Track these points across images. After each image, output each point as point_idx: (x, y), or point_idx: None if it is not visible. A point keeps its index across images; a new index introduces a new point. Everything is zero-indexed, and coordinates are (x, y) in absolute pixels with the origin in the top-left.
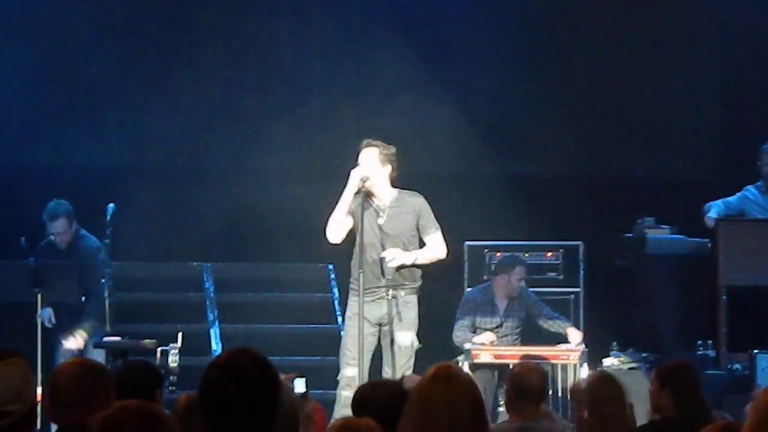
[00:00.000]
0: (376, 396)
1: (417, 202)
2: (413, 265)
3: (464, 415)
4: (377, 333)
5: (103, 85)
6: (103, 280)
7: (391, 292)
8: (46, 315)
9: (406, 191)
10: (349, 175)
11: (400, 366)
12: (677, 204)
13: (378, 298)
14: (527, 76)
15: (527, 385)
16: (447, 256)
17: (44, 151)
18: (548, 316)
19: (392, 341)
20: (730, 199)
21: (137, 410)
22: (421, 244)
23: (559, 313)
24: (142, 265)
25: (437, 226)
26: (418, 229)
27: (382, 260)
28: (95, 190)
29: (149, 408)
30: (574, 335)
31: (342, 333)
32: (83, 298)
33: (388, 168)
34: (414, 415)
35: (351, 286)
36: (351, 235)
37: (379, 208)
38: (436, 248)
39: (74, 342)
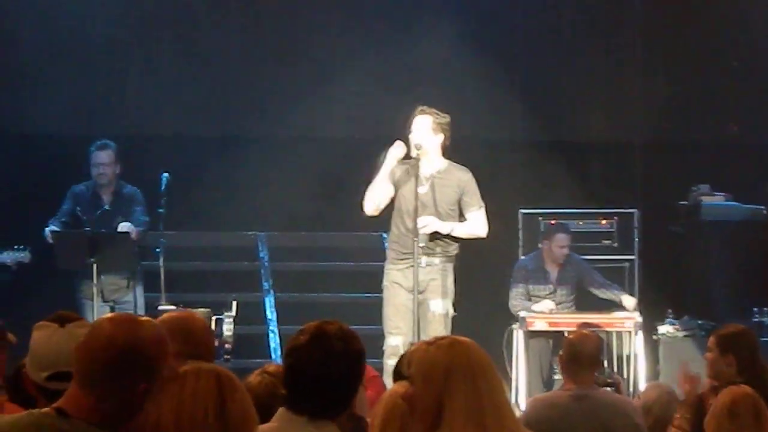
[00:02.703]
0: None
1: (464, 177)
2: (449, 236)
3: None
4: (412, 299)
5: (154, 56)
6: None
7: (425, 259)
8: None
9: (456, 165)
10: (404, 142)
11: (437, 332)
12: (732, 170)
13: (411, 266)
14: (576, 43)
15: (582, 352)
16: (487, 234)
17: (98, 121)
18: (601, 283)
19: (427, 308)
20: None
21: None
22: (461, 220)
23: (611, 281)
24: (197, 234)
25: (481, 204)
26: (460, 205)
27: (417, 227)
28: (150, 160)
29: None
30: (629, 302)
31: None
32: (139, 268)
33: (441, 137)
34: None
35: (388, 253)
36: (391, 203)
37: (423, 177)
38: (476, 225)
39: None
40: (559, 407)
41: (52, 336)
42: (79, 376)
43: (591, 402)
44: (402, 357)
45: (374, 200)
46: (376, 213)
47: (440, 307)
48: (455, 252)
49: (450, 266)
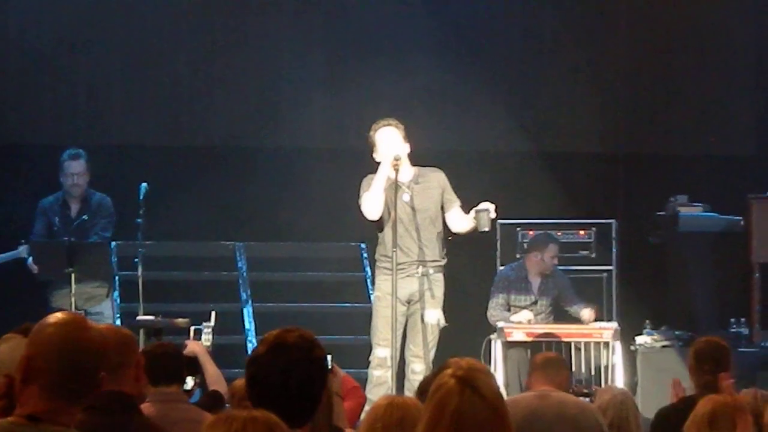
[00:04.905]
0: None
1: (440, 176)
2: (445, 241)
3: None
4: (406, 311)
5: (132, 64)
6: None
7: (420, 269)
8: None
9: (426, 167)
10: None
11: (428, 344)
12: (710, 181)
13: (407, 276)
14: (558, 52)
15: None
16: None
17: (78, 130)
18: (572, 301)
19: (421, 319)
20: None
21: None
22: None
23: (589, 292)
24: (175, 244)
25: (457, 198)
26: (442, 204)
27: (483, 212)
28: (127, 170)
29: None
30: (586, 314)
31: (372, 312)
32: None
33: (408, 146)
34: None
35: (380, 264)
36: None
37: (402, 185)
38: (465, 219)
39: None
40: (523, 406)
41: (15, 348)
42: (41, 382)
43: (555, 399)
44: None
45: (375, 207)
46: (377, 218)
47: (433, 318)
48: (444, 262)
49: (441, 276)
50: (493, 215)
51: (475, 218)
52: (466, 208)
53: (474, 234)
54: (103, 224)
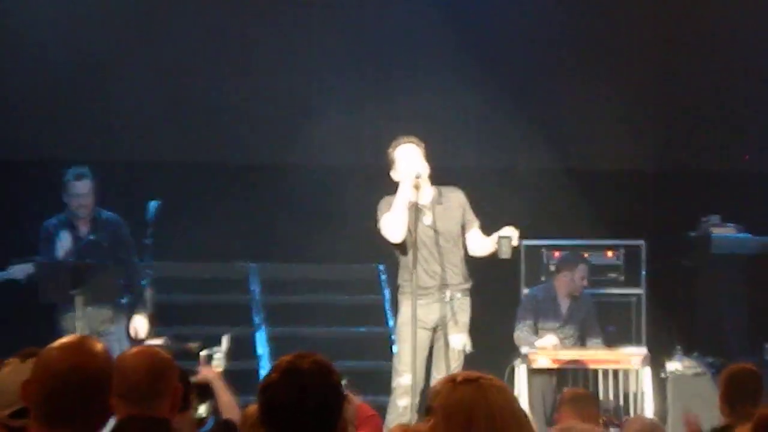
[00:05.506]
0: None
1: (460, 196)
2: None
3: None
4: (431, 337)
5: (142, 78)
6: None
7: (448, 293)
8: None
9: (444, 186)
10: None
11: (452, 370)
12: (744, 200)
13: (433, 301)
14: (586, 65)
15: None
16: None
17: (88, 146)
18: (591, 333)
19: (445, 344)
20: None
21: None
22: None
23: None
24: (186, 265)
25: (476, 219)
26: (462, 225)
27: (506, 239)
28: (136, 187)
29: None
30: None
31: (393, 338)
32: (123, 299)
33: (427, 165)
34: None
35: (402, 289)
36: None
37: (424, 207)
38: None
39: (141, 329)
40: None
41: (11, 372)
42: (42, 412)
43: None
44: (429, 391)
45: (399, 228)
46: (401, 240)
47: (459, 343)
48: (470, 284)
49: (469, 300)
50: (515, 243)
51: (497, 243)
52: (486, 230)
53: (494, 257)
54: (130, 251)
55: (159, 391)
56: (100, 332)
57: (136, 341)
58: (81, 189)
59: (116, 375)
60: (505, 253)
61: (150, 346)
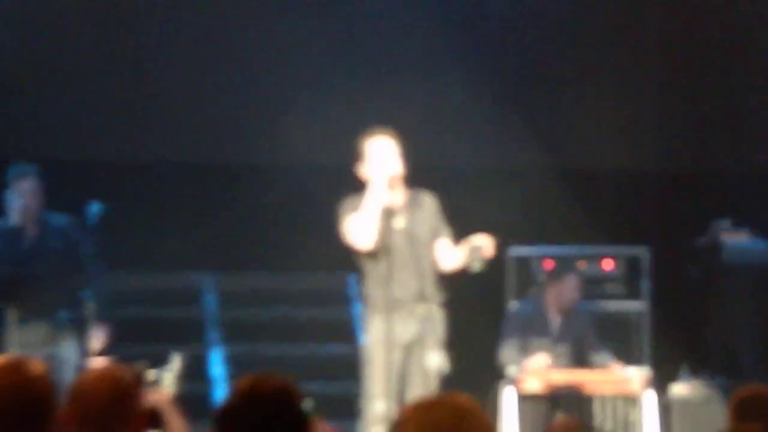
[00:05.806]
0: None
1: (433, 201)
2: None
3: None
4: (404, 357)
5: (85, 72)
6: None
7: (422, 307)
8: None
9: (416, 189)
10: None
11: (428, 391)
12: (757, 203)
13: (407, 316)
14: (582, 57)
15: None
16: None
17: (17, 143)
18: (594, 347)
19: (420, 364)
20: None
21: None
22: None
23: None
24: (132, 275)
25: (447, 227)
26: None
27: (476, 249)
28: (76, 189)
29: None
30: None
31: (364, 358)
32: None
33: (402, 166)
34: None
35: (370, 303)
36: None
37: (396, 209)
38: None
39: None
40: None
41: None
42: None
43: None
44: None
45: (368, 233)
46: (371, 246)
47: (435, 362)
48: (444, 297)
49: (442, 315)
50: (489, 253)
51: (467, 254)
52: (458, 239)
53: (463, 272)
54: (91, 255)
55: (120, 416)
56: (43, 352)
57: (94, 354)
58: (26, 189)
59: (74, 398)
60: (474, 267)
61: (113, 366)
